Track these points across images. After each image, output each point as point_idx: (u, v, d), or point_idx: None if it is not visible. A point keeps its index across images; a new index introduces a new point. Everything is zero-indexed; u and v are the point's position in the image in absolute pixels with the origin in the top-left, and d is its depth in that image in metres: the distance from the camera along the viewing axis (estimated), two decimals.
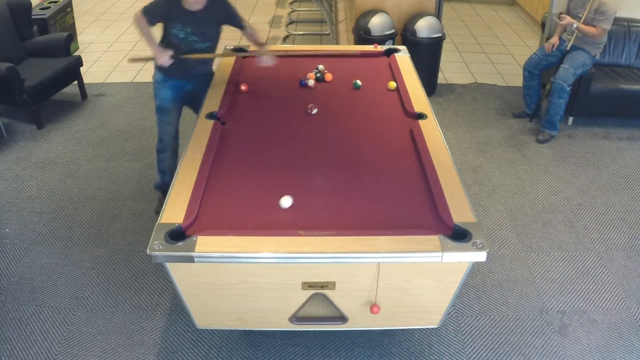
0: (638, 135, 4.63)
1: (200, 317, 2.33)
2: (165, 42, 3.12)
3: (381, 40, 4.66)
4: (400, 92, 3.18)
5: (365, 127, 2.89)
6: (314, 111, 2.98)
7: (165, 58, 3.01)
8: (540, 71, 4.61)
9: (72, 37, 5.13)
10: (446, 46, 5.34)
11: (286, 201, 2.25)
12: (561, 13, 4.43)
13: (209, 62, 3.37)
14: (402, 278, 2.14)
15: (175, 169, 2.90)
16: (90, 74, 5.59)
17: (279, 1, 8.01)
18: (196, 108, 3.25)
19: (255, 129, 2.85)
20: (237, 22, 3.23)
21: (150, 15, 3.03)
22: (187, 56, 3.07)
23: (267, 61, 3.21)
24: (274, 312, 2.31)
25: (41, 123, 4.58)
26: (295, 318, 2.30)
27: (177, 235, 2.06)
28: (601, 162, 4.25)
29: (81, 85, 5.05)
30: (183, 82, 3.27)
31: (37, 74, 4.51)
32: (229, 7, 3.19)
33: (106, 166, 4.10)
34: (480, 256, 2.00)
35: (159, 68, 3.17)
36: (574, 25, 4.20)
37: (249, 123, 2.91)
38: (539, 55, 4.58)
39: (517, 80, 5.26)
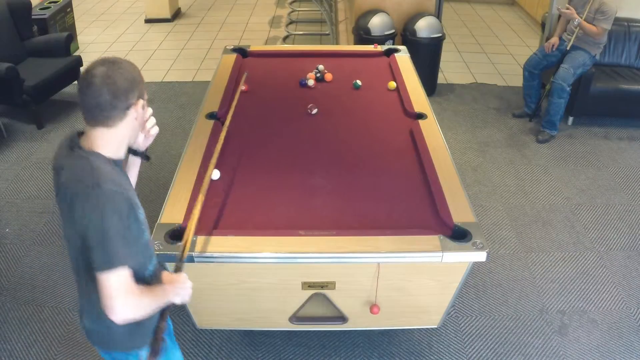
0: (638, 135, 4.63)
1: (200, 317, 2.33)
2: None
3: (381, 40, 4.65)
4: (400, 92, 3.18)
5: (365, 127, 2.89)
6: (314, 111, 2.98)
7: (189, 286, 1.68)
8: (540, 71, 4.60)
9: (72, 37, 5.12)
10: (446, 46, 5.33)
11: (215, 174, 2.39)
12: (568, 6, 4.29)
13: None
14: (402, 278, 2.14)
15: None
16: None
17: (279, 1, 8.01)
18: None
19: (255, 129, 2.85)
20: None
21: (124, 249, 1.43)
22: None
23: None
24: (274, 312, 2.31)
25: (41, 123, 4.58)
26: (295, 318, 2.30)
27: (177, 235, 2.06)
28: (601, 162, 4.25)
29: None
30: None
31: (37, 74, 4.50)
32: None
33: None
34: (480, 256, 2.00)
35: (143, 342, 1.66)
36: (576, 21, 4.19)
37: (249, 123, 2.91)
38: (539, 55, 4.58)
39: (517, 80, 5.25)
